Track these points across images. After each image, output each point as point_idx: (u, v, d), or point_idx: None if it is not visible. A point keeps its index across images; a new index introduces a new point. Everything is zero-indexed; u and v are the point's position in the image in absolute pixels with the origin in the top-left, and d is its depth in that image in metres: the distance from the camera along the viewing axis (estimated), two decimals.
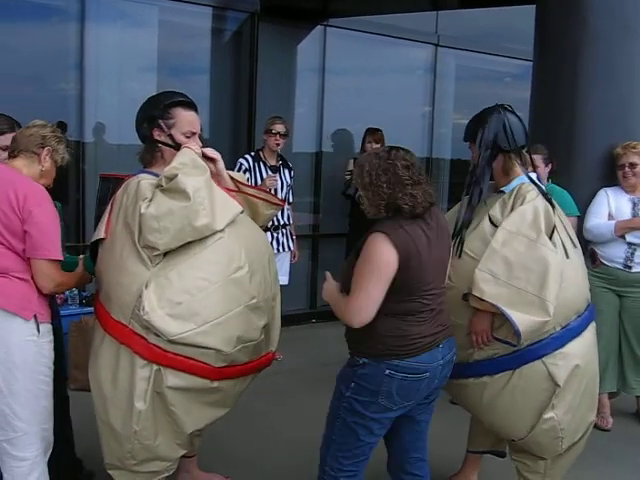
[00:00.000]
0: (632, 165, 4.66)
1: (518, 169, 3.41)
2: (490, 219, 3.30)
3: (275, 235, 5.98)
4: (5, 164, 3.10)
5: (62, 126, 6.17)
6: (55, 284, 3.01)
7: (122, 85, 6.52)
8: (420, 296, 2.81)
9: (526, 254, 3.16)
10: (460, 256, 3.28)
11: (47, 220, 2.97)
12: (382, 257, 2.72)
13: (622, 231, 4.55)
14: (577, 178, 4.91)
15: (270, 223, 5.82)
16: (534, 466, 3.49)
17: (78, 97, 6.19)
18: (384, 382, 2.79)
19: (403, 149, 2.89)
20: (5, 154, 3.24)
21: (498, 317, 3.19)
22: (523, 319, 3.08)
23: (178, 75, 7.08)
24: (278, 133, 5.89)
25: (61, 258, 3.00)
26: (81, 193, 6.23)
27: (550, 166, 4.79)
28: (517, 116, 3.42)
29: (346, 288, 2.85)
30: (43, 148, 3.09)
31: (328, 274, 3.03)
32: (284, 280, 5.94)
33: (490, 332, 3.22)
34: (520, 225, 3.21)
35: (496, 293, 3.12)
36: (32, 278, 2.96)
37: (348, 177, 6.80)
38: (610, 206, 4.68)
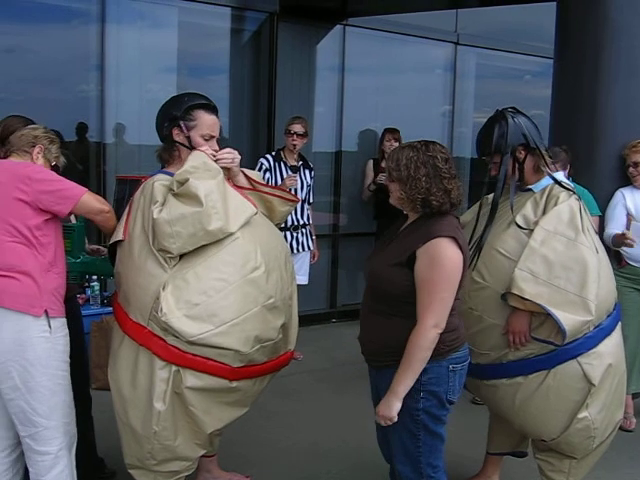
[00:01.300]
0: (636, 164, 4.63)
1: (546, 168, 3.40)
2: (522, 218, 3.29)
3: (295, 235, 5.98)
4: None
5: (82, 127, 6.24)
6: (102, 201, 3.11)
7: (142, 86, 6.56)
8: None
9: (565, 253, 3.16)
10: (474, 264, 3.29)
11: (51, 174, 3.05)
12: (454, 264, 2.70)
13: (619, 246, 4.48)
14: (599, 176, 4.87)
15: (290, 223, 5.84)
16: (559, 465, 3.47)
17: (99, 98, 6.23)
18: (449, 378, 2.80)
19: (439, 143, 2.87)
20: None
21: (536, 317, 3.19)
22: (567, 318, 3.09)
23: (198, 76, 7.10)
24: (295, 133, 5.89)
25: (85, 188, 3.05)
26: (102, 194, 6.26)
27: (568, 168, 4.75)
28: (525, 115, 3.41)
29: (384, 289, 2.82)
30: (34, 147, 3.14)
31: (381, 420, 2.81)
32: (304, 280, 5.95)
33: (528, 332, 3.20)
34: (557, 224, 3.21)
35: (536, 292, 3.12)
36: (40, 273, 2.95)
37: (384, 178, 6.63)
38: (628, 207, 4.62)
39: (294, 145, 5.92)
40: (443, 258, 2.68)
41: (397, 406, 2.72)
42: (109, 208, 3.14)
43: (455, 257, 2.70)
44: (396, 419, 2.74)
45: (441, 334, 2.73)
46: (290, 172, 5.89)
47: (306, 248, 6.10)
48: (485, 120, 3.51)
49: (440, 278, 2.68)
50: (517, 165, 3.38)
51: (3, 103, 5.88)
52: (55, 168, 3.23)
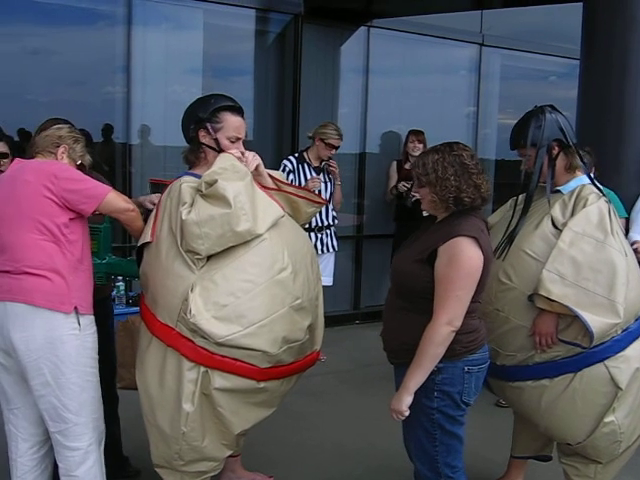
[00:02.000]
0: None
1: (580, 168, 3.38)
2: (552, 220, 3.27)
3: (319, 236, 5.98)
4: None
5: (108, 129, 6.29)
6: (127, 201, 3.12)
7: (168, 88, 6.60)
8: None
9: (594, 255, 3.14)
10: (503, 256, 3.27)
11: (77, 173, 3.07)
12: (473, 263, 2.71)
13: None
14: (626, 177, 4.85)
15: (314, 224, 5.84)
16: (585, 470, 3.44)
17: (125, 100, 6.28)
18: (464, 380, 2.81)
19: (461, 143, 2.88)
20: None
21: (563, 319, 3.16)
22: (595, 320, 3.06)
23: (223, 77, 7.14)
24: (334, 147, 5.91)
25: (110, 187, 3.07)
26: (128, 194, 6.29)
27: (593, 171, 4.71)
28: (563, 115, 3.39)
29: (405, 285, 2.86)
30: (59, 147, 3.16)
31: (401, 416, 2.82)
32: (328, 281, 5.95)
33: (555, 334, 3.18)
34: (586, 226, 3.18)
35: (563, 294, 3.10)
36: (69, 270, 2.97)
37: (407, 188, 6.55)
38: None
39: (329, 157, 5.94)
40: (462, 257, 2.70)
41: (408, 400, 2.74)
42: (134, 207, 3.14)
43: (475, 257, 2.72)
44: (407, 413, 2.76)
45: (458, 335, 2.74)
46: (314, 173, 5.90)
47: (330, 249, 6.10)
48: (510, 121, 3.50)
49: (458, 276, 2.69)
50: (549, 161, 3.36)
51: (30, 105, 5.95)
52: (81, 167, 3.24)
